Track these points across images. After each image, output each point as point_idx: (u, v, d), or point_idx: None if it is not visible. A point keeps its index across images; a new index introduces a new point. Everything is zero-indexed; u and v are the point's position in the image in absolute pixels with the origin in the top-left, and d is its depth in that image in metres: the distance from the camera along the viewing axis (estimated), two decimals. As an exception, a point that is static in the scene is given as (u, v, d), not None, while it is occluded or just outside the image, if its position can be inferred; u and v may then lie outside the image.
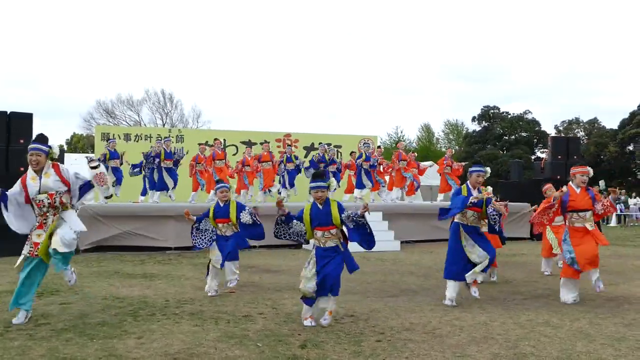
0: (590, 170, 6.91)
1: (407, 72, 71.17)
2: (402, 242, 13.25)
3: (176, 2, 63.41)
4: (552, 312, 6.09)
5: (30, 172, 5.67)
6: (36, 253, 5.48)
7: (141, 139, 19.41)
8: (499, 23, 70.94)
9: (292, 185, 14.91)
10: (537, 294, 7.26)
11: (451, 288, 6.53)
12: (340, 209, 5.53)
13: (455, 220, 6.62)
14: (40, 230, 5.55)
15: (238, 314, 5.96)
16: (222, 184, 7.40)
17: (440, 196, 16.50)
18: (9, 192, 5.65)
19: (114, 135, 19.13)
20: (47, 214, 5.58)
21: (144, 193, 14.38)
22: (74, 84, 62.20)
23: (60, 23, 62.06)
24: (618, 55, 68.12)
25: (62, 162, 13.36)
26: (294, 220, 5.64)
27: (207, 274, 7.27)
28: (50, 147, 5.75)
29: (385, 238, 12.99)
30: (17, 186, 5.70)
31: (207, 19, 65.77)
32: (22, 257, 5.55)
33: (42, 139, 5.79)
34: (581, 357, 4.45)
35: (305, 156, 19.97)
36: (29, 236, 5.57)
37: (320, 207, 5.55)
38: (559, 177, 16.66)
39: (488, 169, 6.85)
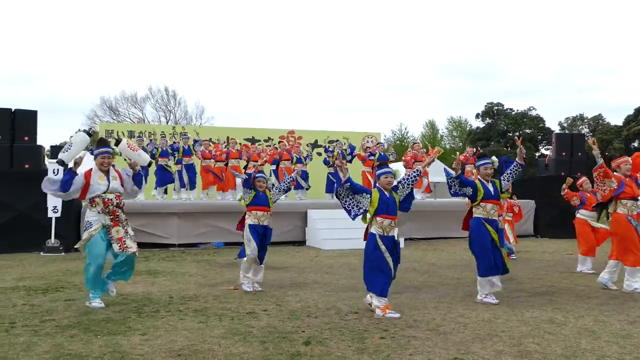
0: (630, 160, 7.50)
1: (408, 69, 71.05)
2: (405, 239, 13.25)
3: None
4: (556, 310, 6.08)
5: (97, 172, 6.10)
6: (126, 246, 6.03)
7: (145, 136, 19.44)
8: (499, 19, 70.70)
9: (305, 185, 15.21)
10: (541, 292, 7.25)
11: (489, 285, 6.47)
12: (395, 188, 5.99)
13: (476, 215, 6.52)
14: (118, 227, 6.05)
15: (242, 310, 5.97)
16: (261, 174, 7.42)
17: None
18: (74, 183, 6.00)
19: (117, 132, 19.17)
20: (117, 212, 6.07)
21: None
22: (77, 82, 62.34)
23: (62, 20, 62.20)
24: (622, 51, 67.83)
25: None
26: (363, 193, 5.87)
27: (249, 268, 7.11)
28: (113, 149, 6.33)
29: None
30: (80, 181, 6.02)
31: (210, 16, 65.81)
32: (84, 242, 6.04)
33: (105, 142, 6.35)
34: (586, 355, 4.44)
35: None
36: (111, 235, 6.02)
37: (387, 194, 5.86)
38: (563, 173, 16.60)
39: (494, 158, 7.00)
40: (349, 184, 5.84)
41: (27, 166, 12.19)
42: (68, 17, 61.66)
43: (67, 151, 6.10)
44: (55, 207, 11.43)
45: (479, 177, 6.67)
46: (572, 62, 68.22)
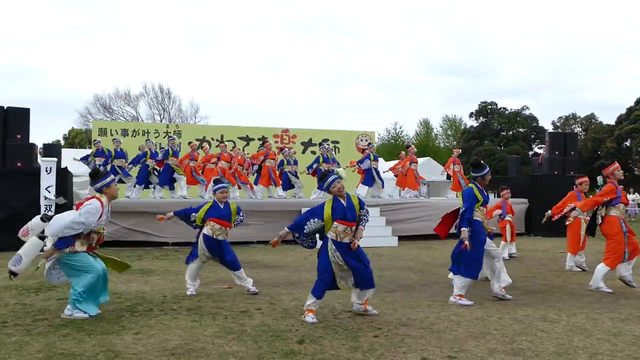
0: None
1: (403, 68, 71.13)
2: (399, 238, 13.25)
3: (173, -3, 63.16)
4: (549, 308, 6.11)
5: (107, 205, 5.71)
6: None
7: (138, 135, 19.38)
8: (493, 18, 70.89)
9: (291, 186, 15.15)
10: (534, 290, 7.28)
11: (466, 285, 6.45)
12: (361, 204, 5.67)
13: (475, 218, 6.43)
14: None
15: (236, 309, 5.96)
16: (222, 184, 6.97)
17: (453, 194, 16.54)
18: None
19: (111, 130, 19.09)
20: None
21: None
22: (71, 79, 62.06)
23: (56, 17, 61.84)
24: (614, 50, 68.14)
25: (60, 158, 13.42)
26: (311, 220, 5.64)
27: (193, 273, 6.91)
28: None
29: (383, 234, 13.01)
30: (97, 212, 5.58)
31: (205, 14, 65.62)
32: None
33: (102, 174, 5.94)
34: (578, 352, 4.47)
35: (303, 152, 19.97)
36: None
37: (343, 201, 5.60)
38: (556, 172, 16.68)
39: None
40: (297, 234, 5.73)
41: (19, 164, 12.12)
42: (62, 14, 61.35)
43: (17, 264, 5.52)
44: (49, 206, 11.36)
45: (475, 183, 6.57)
46: (564, 61, 68.54)
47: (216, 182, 7.10)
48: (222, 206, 6.85)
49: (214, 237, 6.75)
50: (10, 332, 4.97)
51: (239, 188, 14.82)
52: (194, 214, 6.87)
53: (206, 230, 6.78)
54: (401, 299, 6.59)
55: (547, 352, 4.47)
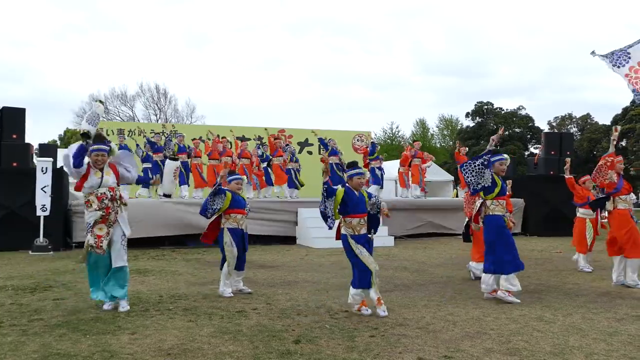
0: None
1: (399, 68, 71.20)
2: (395, 238, 13.26)
3: (170, -3, 63.05)
4: (545, 307, 6.12)
5: (92, 168, 5.94)
6: (101, 245, 5.80)
7: (134, 135, 19.33)
8: (489, 18, 71.03)
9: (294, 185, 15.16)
10: (530, 289, 7.30)
11: (515, 280, 6.47)
12: (369, 195, 5.86)
13: (495, 213, 6.56)
14: (103, 225, 5.82)
15: (232, 309, 5.96)
16: (237, 175, 7.15)
17: (462, 192, 16.69)
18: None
19: (107, 130, 19.03)
20: (110, 210, 5.85)
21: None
22: (66, 79, 61.89)
23: (53, 16, 61.66)
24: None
25: (55, 158, 13.38)
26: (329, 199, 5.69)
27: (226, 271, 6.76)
28: (110, 146, 6.13)
29: (379, 233, 12.93)
30: (85, 163, 5.90)
31: (202, 14, 65.53)
32: (85, 248, 5.86)
33: (102, 138, 6.16)
34: (574, 352, 4.48)
35: (300, 152, 19.96)
36: (92, 229, 5.80)
37: (357, 193, 5.75)
38: (552, 172, 16.72)
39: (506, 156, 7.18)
40: (326, 186, 5.70)
41: (15, 164, 12.09)
42: (57, 14, 61.18)
43: (93, 124, 5.96)
44: (44, 205, 11.33)
45: (492, 172, 6.67)
46: (560, 61, 68.74)
47: (231, 173, 7.23)
48: (238, 196, 6.98)
49: (240, 227, 6.82)
50: (6, 332, 4.95)
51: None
52: (222, 195, 6.78)
53: (229, 224, 6.76)
54: (397, 298, 6.59)
55: (543, 351, 4.48)
